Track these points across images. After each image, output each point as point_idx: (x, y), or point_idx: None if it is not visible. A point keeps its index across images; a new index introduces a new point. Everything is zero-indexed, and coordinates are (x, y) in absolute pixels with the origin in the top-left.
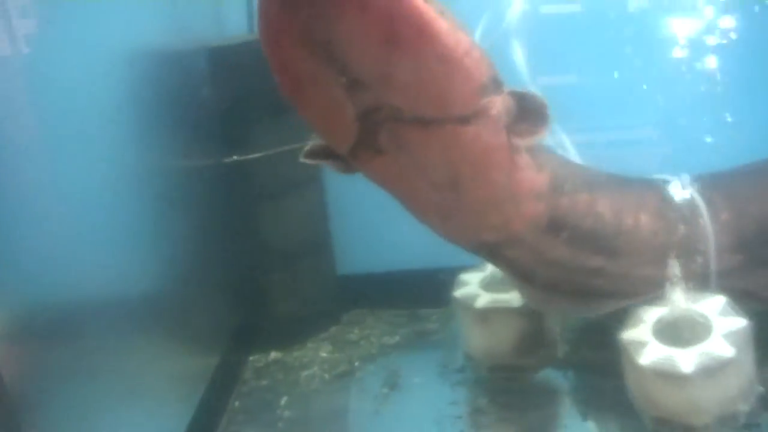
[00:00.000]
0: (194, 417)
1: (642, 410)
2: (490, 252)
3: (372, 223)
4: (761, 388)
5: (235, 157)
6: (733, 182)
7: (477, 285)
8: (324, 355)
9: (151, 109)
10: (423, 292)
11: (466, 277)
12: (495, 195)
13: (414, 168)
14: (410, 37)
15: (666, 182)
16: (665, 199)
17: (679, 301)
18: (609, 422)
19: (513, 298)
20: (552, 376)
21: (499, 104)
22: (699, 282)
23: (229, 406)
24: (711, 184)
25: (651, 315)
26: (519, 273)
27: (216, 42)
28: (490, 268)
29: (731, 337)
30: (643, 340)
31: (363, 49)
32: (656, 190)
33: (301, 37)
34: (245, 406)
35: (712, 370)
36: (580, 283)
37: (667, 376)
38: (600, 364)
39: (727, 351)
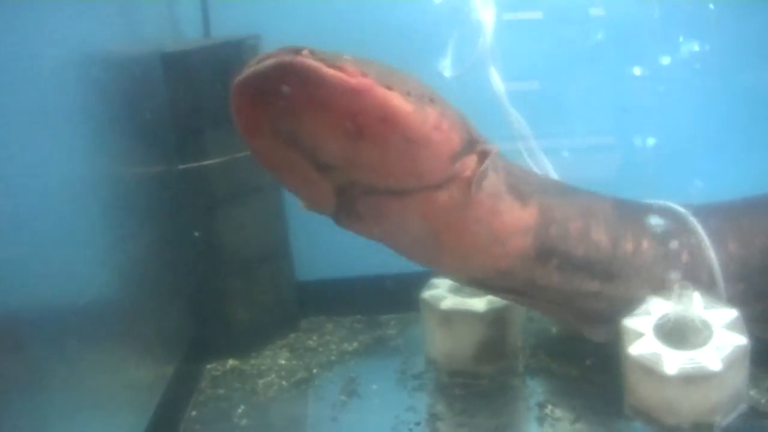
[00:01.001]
0: (149, 427)
1: (624, 396)
2: (482, 283)
3: (331, 229)
4: (745, 406)
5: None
6: (741, 213)
7: (445, 288)
8: (282, 362)
9: (104, 115)
10: (382, 298)
11: (436, 281)
12: (477, 243)
13: (394, 228)
14: (374, 128)
15: (672, 210)
16: (670, 227)
17: (689, 303)
18: (565, 429)
19: (478, 303)
20: (510, 382)
21: (473, 164)
22: None
23: (186, 415)
24: (719, 214)
25: (658, 309)
26: (514, 298)
27: (170, 47)
28: None
29: (724, 351)
30: (641, 331)
31: (328, 141)
32: (660, 217)
33: (271, 129)
34: (202, 415)
35: (693, 379)
36: (578, 306)
37: (649, 371)
38: (559, 372)
39: (715, 365)
